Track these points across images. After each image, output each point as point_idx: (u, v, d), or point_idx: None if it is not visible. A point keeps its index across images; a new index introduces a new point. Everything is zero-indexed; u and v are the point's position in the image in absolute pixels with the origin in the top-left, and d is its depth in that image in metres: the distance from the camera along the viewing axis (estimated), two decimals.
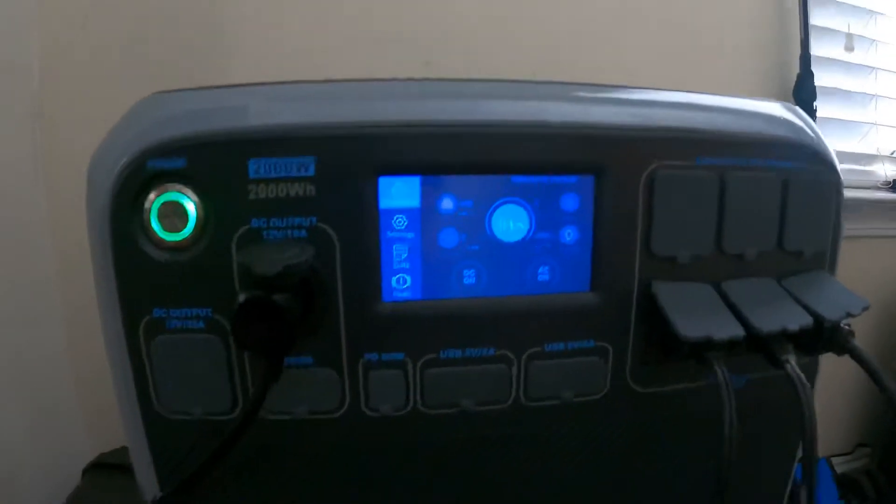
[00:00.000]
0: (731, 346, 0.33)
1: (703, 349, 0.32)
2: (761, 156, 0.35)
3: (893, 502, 1.23)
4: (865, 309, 0.35)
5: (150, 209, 0.30)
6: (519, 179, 0.32)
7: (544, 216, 0.33)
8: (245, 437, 0.31)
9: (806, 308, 0.35)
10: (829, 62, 1.21)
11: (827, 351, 0.35)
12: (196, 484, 0.33)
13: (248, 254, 0.29)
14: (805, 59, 1.12)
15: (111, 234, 0.30)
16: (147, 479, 0.35)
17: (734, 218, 0.35)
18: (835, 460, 1.34)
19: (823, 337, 0.35)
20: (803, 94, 1.11)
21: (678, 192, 0.34)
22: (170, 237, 0.30)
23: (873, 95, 1.31)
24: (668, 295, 0.34)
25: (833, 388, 1.30)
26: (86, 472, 0.65)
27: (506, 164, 0.32)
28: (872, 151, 1.32)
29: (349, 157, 0.30)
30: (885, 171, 1.33)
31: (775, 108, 0.38)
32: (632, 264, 0.34)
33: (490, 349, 0.33)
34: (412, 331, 0.33)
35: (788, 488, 0.44)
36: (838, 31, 1.22)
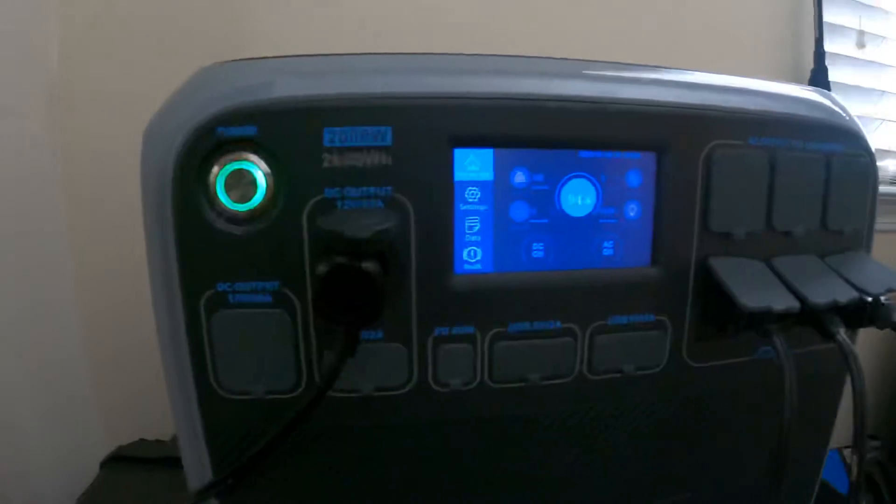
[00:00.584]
0: (784, 318, 0.34)
1: (761, 321, 0.34)
2: (806, 138, 0.37)
3: None
4: None
5: (216, 178, 0.30)
6: (586, 154, 0.33)
7: (610, 191, 0.34)
8: (311, 415, 0.31)
9: (850, 283, 0.36)
10: (841, 58, 1.25)
11: (870, 324, 0.37)
12: (256, 466, 0.33)
13: (335, 219, 0.29)
14: (819, 54, 1.16)
15: (173, 204, 0.30)
16: (197, 464, 0.34)
17: (783, 197, 0.36)
18: (846, 452, 1.39)
19: (867, 311, 0.36)
20: (818, 87, 1.14)
21: (733, 171, 0.35)
22: (237, 207, 0.30)
23: (883, 92, 1.35)
24: (726, 269, 0.35)
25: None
26: (103, 465, 0.65)
27: (574, 139, 0.33)
28: (884, 147, 1.36)
29: (426, 128, 0.31)
30: (894, 166, 1.37)
31: (814, 94, 0.40)
32: (690, 240, 0.35)
33: (556, 322, 0.34)
34: (482, 304, 0.33)
35: (822, 469, 0.46)
36: (850, 27, 1.26)
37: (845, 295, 0.35)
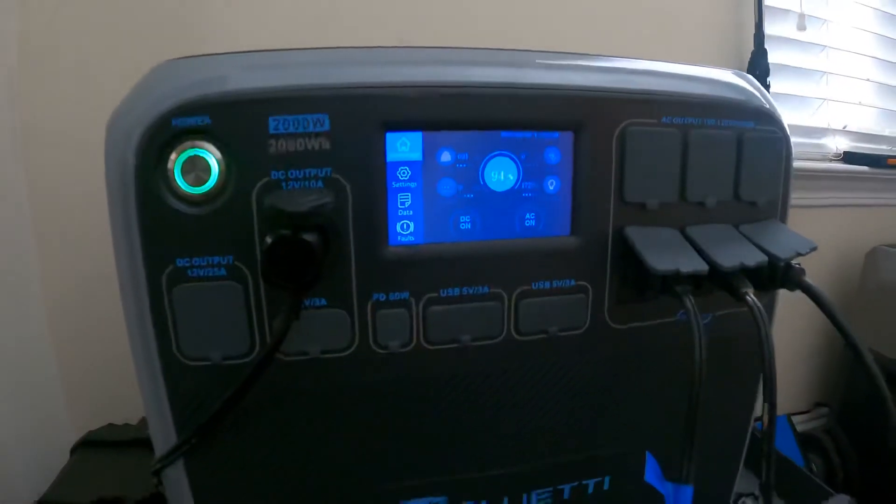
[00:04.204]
0: (696, 281, 0.42)
1: (672, 283, 0.42)
2: (718, 116, 0.46)
3: (853, 458, 1.38)
4: (813, 249, 0.46)
5: (174, 165, 0.37)
6: (508, 135, 0.41)
7: (530, 168, 0.42)
8: (263, 377, 0.39)
9: (760, 248, 0.45)
10: (783, 41, 1.39)
11: (781, 287, 0.45)
12: (217, 425, 0.40)
13: (277, 197, 0.37)
14: (759, 37, 1.29)
15: (136, 190, 0.37)
16: (163, 428, 0.42)
17: (695, 170, 0.45)
18: (795, 419, 1.53)
19: (777, 274, 0.45)
20: (757, 70, 1.28)
21: (646, 147, 0.43)
22: (193, 190, 0.38)
23: (824, 72, 1.50)
24: (640, 237, 0.43)
25: (791, 350, 1.52)
26: (74, 450, 0.71)
27: (496, 121, 0.41)
28: (824, 125, 1.52)
29: (360, 115, 0.39)
30: (836, 143, 1.54)
31: (730, 76, 0.49)
32: (607, 211, 0.44)
33: (484, 287, 0.43)
34: (415, 272, 0.41)
35: (751, 426, 0.54)
36: (791, 11, 1.40)
37: (754, 259, 0.43)
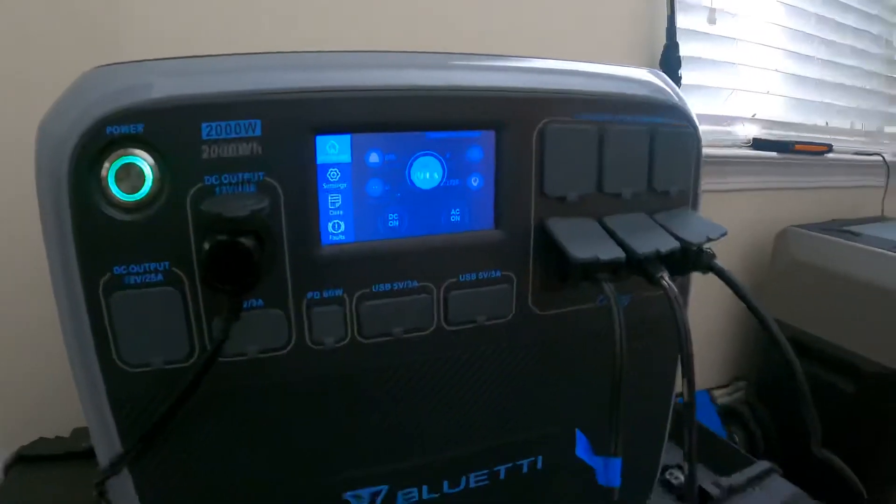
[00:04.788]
0: (614, 268, 0.46)
1: (592, 270, 0.45)
2: (632, 112, 0.49)
3: (771, 428, 1.50)
4: (723, 235, 0.49)
5: (108, 172, 0.38)
6: (433, 135, 0.44)
7: (454, 166, 0.45)
8: (205, 379, 0.40)
9: (673, 235, 0.48)
10: (694, 34, 1.48)
11: (694, 270, 0.49)
12: (161, 431, 0.42)
13: (214, 202, 0.38)
14: (671, 31, 1.36)
15: (70, 199, 0.38)
16: (106, 438, 0.42)
17: (611, 164, 0.48)
18: (715, 393, 1.64)
19: (690, 258, 0.48)
20: (669, 63, 1.35)
21: (564, 143, 0.47)
22: (128, 197, 0.39)
23: (734, 63, 1.61)
24: (560, 228, 0.47)
25: (710, 328, 1.63)
26: (8, 467, 0.70)
27: (422, 122, 0.44)
28: (735, 114, 1.65)
29: (291, 119, 0.40)
30: (746, 131, 1.67)
31: (643, 74, 0.52)
32: (528, 204, 0.47)
33: (414, 282, 0.45)
34: (347, 269, 0.44)
35: (672, 402, 0.58)
36: (703, 5, 1.50)
37: (667, 245, 0.47)
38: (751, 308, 0.49)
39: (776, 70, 1.75)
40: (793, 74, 1.81)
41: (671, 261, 0.47)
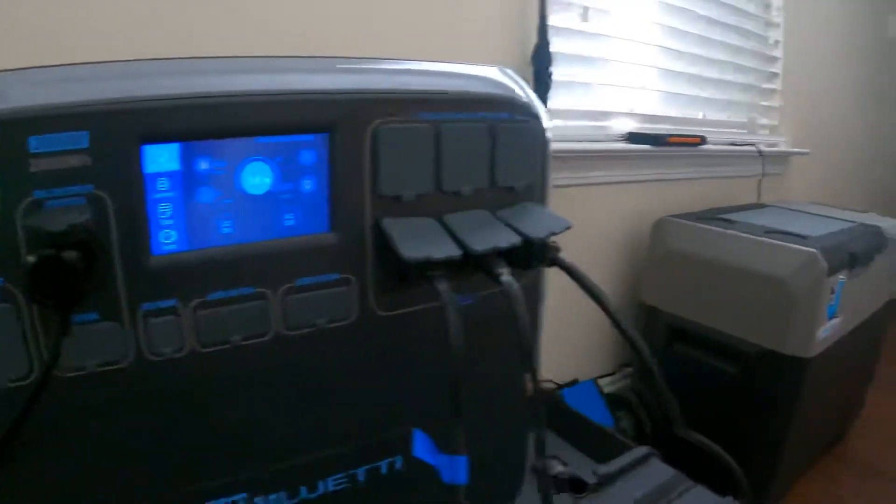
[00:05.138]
0: (451, 266, 0.47)
1: (426, 269, 0.46)
2: (472, 110, 0.51)
3: (656, 412, 1.57)
4: (567, 228, 0.51)
5: None
6: (262, 140, 0.44)
7: (287, 170, 0.46)
8: (44, 396, 0.40)
9: (515, 230, 0.50)
10: (568, 31, 1.53)
11: (538, 265, 0.51)
12: (5, 451, 0.41)
13: (36, 217, 0.38)
14: (542, 29, 1.39)
15: None
16: None
17: (449, 161, 0.50)
18: (603, 381, 1.70)
19: (534, 253, 0.50)
20: (541, 60, 1.39)
21: (399, 143, 0.48)
22: None
23: (606, 60, 1.67)
24: (395, 228, 0.48)
25: (591, 316, 1.64)
26: None
27: (251, 127, 0.44)
28: (612, 109, 1.70)
29: (117, 130, 0.40)
30: (624, 125, 1.74)
31: (490, 72, 0.54)
32: (363, 206, 0.48)
33: (250, 288, 0.46)
34: (180, 279, 0.44)
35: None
36: (577, 3, 1.55)
37: (507, 241, 0.49)
38: (595, 299, 0.51)
39: (651, 66, 1.83)
40: (668, 70, 1.89)
41: (515, 256, 0.49)
